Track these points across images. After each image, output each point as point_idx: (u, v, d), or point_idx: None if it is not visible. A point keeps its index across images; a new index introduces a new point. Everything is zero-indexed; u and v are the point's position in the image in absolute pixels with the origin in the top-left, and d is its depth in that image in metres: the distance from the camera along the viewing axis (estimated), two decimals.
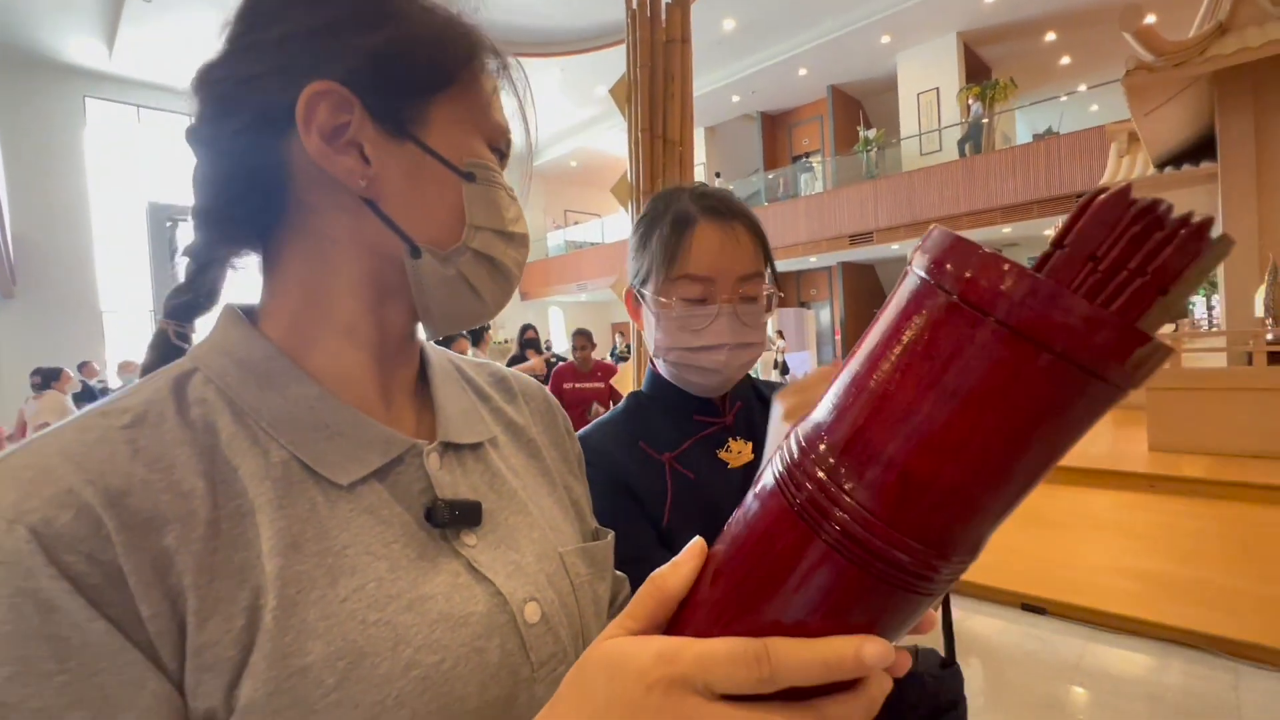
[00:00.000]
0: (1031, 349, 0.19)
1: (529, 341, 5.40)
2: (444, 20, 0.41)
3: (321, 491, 0.35)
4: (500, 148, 0.44)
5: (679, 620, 0.27)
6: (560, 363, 4.23)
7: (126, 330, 12.48)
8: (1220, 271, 5.42)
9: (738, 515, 0.27)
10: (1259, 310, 4.68)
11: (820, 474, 0.23)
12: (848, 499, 0.22)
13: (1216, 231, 0.19)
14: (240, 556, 0.32)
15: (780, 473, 0.25)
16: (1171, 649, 2.49)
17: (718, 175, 16.30)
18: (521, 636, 0.38)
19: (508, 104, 0.45)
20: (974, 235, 12.04)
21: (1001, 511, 0.23)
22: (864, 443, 0.22)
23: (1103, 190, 0.19)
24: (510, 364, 5.05)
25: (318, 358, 0.39)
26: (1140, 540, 3.57)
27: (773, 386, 0.86)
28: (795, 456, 0.25)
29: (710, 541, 0.29)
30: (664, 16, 2.65)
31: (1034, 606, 2.87)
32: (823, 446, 0.24)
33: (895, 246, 12.52)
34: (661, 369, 0.81)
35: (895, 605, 0.24)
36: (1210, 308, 11.29)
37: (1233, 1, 4.72)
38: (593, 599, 0.45)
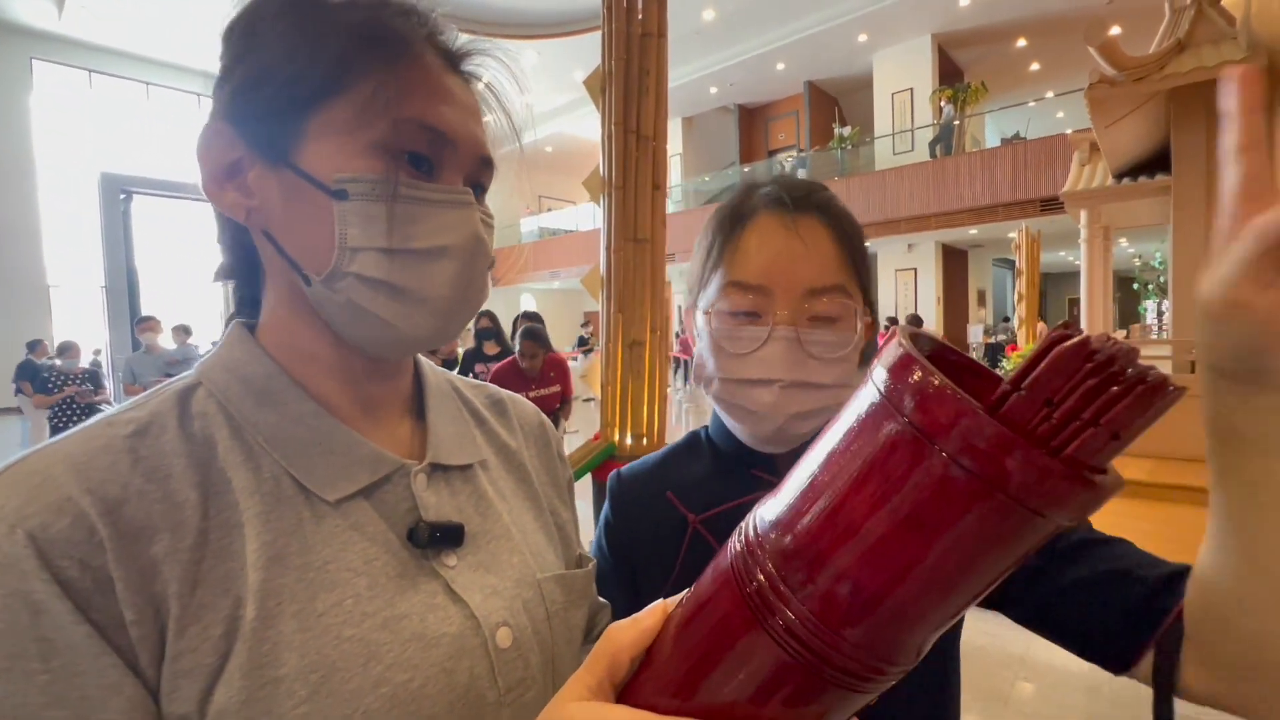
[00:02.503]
0: (984, 487, 0.20)
1: (484, 331, 4.38)
2: (340, 23, 0.37)
3: (309, 507, 0.37)
4: (417, 149, 0.38)
5: (637, 679, 0.28)
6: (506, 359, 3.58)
7: (74, 306, 11.94)
8: (1170, 281, 5.65)
9: (703, 580, 0.28)
10: None
11: (771, 569, 0.24)
12: (795, 601, 0.23)
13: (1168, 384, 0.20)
14: (225, 567, 0.33)
15: (736, 553, 0.26)
16: None
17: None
18: (491, 661, 0.39)
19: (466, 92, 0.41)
20: (942, 236, 12.38)
21: (946, 623, 0.24)
22: (816, 550, 0.23)
23: (1064, 336, 0.20)
24: (466, 360, 4.47)
25: (302, 378, 0.40)
26: None
27: None
28: (750, 543, 0.25)
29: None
30: (640, 9, 2.61)
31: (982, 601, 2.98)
32: (776, 542, 0.24)
33: (866, 244, 12.71)
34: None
35: (839, 701, 0.25)
36: (1161, 313, 11.77)
37: (1191, 20, 4.89)
38: (566, 627, 0.45)
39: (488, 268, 0.42)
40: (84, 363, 5.90)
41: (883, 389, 0.22)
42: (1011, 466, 0.19)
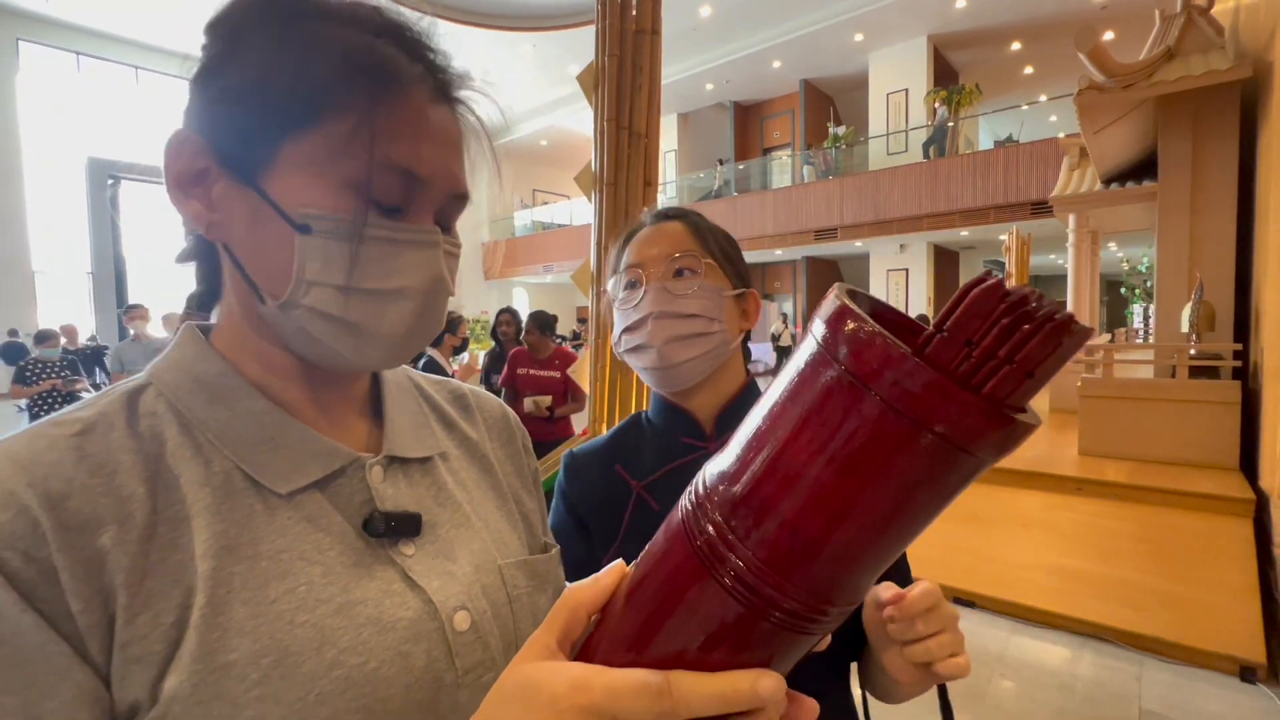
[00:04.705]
0: (911, 427, 0.21)
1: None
2: (328, 44, 0.37)
3: (261, 500, 0.37)
4: (389, 192, 0.38)
5: (594, 637, 0.29)
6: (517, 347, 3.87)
7: (60, 292, 11.78)
8: (1154, 286, 5.72)
9: (656, 538, 0.29)
10: (1184, 326, 4.96)
11: (719, 519, 0.25)
12: (743, 548, 0.24)
13: (1077, 322, 0.21)
14: (175, 558, 0.33)
15: (686, 510, 0.27)
16: (1085, 641, 2.67)
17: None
18: (449, 643, 0.40)
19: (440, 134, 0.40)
20: (934, 237, 12.41)
21: (882, 564, 0.25)
22: (760, 498, 0.24)
23: (980, 280, 0.21)
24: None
25: (256, 378, 0.41)
26: (1065, 539, 3.77)
27: None
28: (699, 497, 0.26)
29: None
30: (634, 5, 2.61)
31: (964, 600, 3.03)
32: (723, 494, 0.25)
33: (859, 244, 12.77)
34: (649, 386, 0.81)
35: (786, 644, 0.26)
36: (1147, 318, 11.89)
37: (1181, 28, 4.93)
38: (531, 610, 0.46)
39: (447, 300, 0.42)
40: (82, 348, 5.73)
41: (819, 339, 0.23)
42: (936, 404, 0.20)
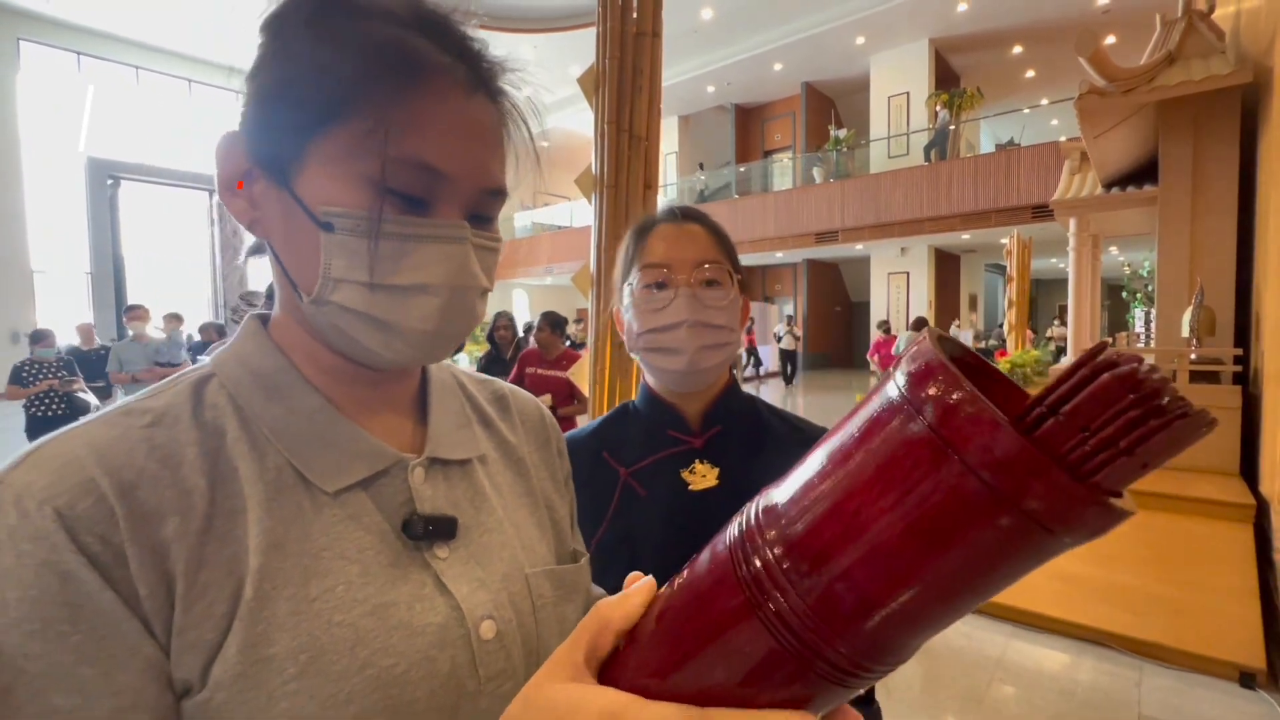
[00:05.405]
0: (1008, 508, 0.20)
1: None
2: (359, 41, 0.36)
3: (309, 497, 0.38)
4: (409, 188, 0.38)
5: (622, 657, 0.28)
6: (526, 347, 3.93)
7: (59, 292, 11.78)
8: (1155, 290, 5.72)
9: (697, 561, 0.28)
10: (1185, 330, 4.95)
11: (771, 556, 0.24)
12: (794, 593, 0.23)
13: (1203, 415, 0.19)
14: (229, 551, 0.35)
15: (735, 538, 0.26)
16: (1085, 647, 2.66)
17: (700, 167, 16.22)
18: (473, 651, 0.40)
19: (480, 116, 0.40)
20: (935, 240, 12.43)
21: (938, 629, 0.24)
22: (821, 546, 0.23)
23: (1107, 362, 0.20)
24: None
25: (308, 373, 0.42)
26: None
27: (784, 416, 0.85)
28: (752, 527, 0.25)
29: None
30: (635, 8, 2.61)
31: None
32: (780, 531, 0.24)
33: (859, 247, 12.78)
34: (644, 368, 0.82)
35: (826, 691, 0.25)
36: (1149, 322, 11.89)
37: (1181, 33, 4.94)
38: (556, 620, 0.46)
39: (479, 295, 0.42)
40: (96, 348, 5.71)
41: (907, 392, 0.22)
42: (1038, 488, 0.19)
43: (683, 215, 0.80)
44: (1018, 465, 0.19)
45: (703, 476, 0.77)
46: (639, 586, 0.29)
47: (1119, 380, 0.19)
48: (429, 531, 0.41)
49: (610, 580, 0.44)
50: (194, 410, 0.38)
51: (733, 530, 0.26)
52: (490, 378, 0.57)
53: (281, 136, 0.38)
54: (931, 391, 0.21)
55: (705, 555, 0.27)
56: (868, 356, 10.65)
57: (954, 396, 0.20)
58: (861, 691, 0.26)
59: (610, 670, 0.28)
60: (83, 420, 0.36)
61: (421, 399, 0.48)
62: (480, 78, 0.40)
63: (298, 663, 0.34)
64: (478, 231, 0.41)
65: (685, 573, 0.28)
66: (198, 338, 5.88)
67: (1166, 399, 0.19)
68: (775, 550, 0.24)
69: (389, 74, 0.36)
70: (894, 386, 0.22)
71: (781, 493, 0.25)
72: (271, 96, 0.38)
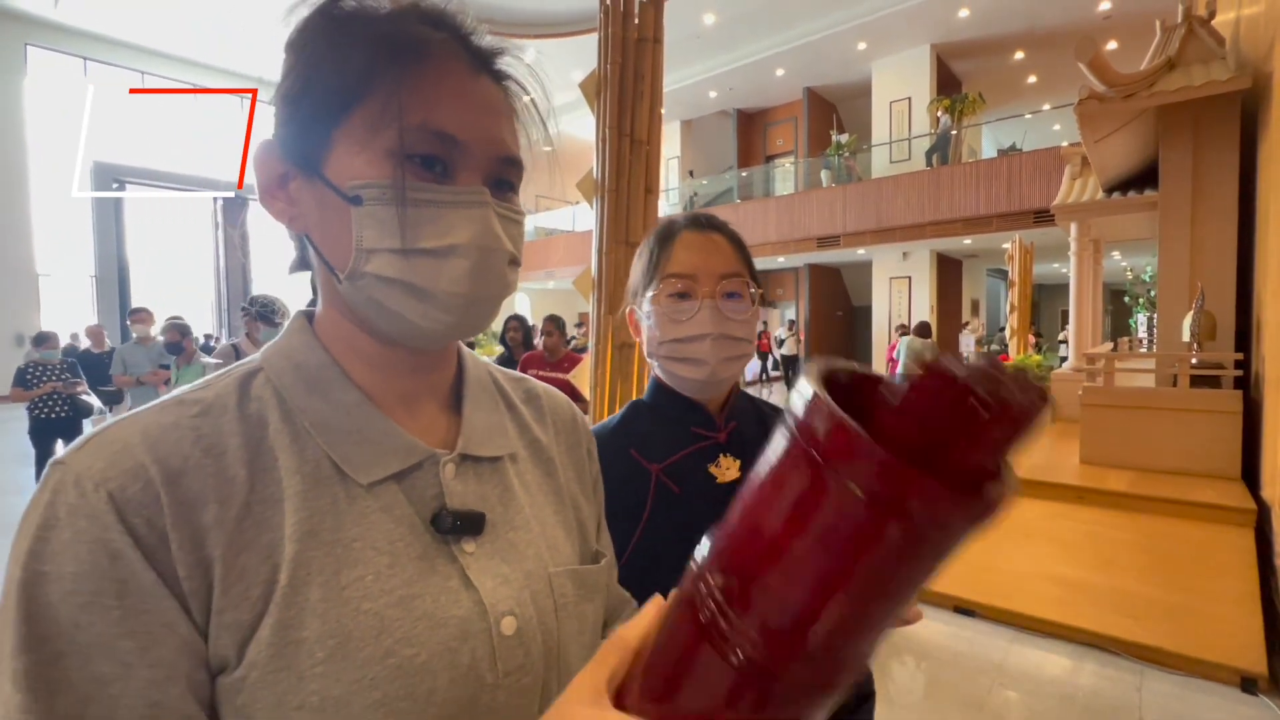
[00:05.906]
0: (884, 509, 0.22)
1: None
2: (367, 34, 0.40)
3: (344, 488, 0.40)
4: (426, 151, 0.40)
5: (629, 677, 0.30)
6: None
7: (64, 295, 11.83)
8: (1157, 295, 5.71)
9: (671, 598, 0.30)
10: (1185, 335, 4.94)
11: (718, 600, 0.26)
12: (742, 628, 0.25)
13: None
14: (267, 537, 0.37)
15: (689, 581, 0.28)
16: (1086, 651, 2.65)
17: (690, 174, 16.30)
18: (493, 646, 0.41)
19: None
20: (937, 245, 12.40)
21: (885, 628, 0.26)
22: (748, 578, 0.25)
23: (941, 374, 0.22)
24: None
25: (348, 368, 0.44)
26: (1066, 548, 3.75)
27: (775, 407, 0.88)
28: (696, 574, 0.28)
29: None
30: (637, 13, 2.63)
31: (965, 609, 3.01)
32: (718, 575, 0.27)
33: (861, 251, 12.78)
34: (659, 372, 0.84)
35: (803, 711, 0.27)
36: (1151, 327, 11.88)
37: (1182, 38, 4.95)
38: (576, 619, 0.48)
39: (508, 262, 0.43)
40: (107, 350, 5.66)
41: (795, 422, 0.24)
42: (903, 491, 0.21)
43: (707, 224, 0.81)
44: (894, 481, 0.22)
45: (727, 469, 0.80)
46: (648, 607, 0.32)
47: (942, 380, 0.22)
48: (457, 526, 0.42)
49: (660, 578, 0.45)
50: (239, 402, 0.40)
51: (689, 573, 0.29)
52: (524, 375, 0.59)
53: (309, 131, 0.41)
54: (811, 420, 0.24)
55: (673, 599, 0.30)
56: (886, 360, 10.65)
57: (825, 420, 0.23)
58: (836, 702, 0.28)
59: (622, 693, 0.30)
60: (144, 406, 0.39)
61: (457, 392, 0.50)
62: (481, 59, 0.43)
63: (326, 647, 0.36)
64: (499, 200, 0.43)
65: (667, 607, 0.30)
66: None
67: (982, 390, 0.22)
68: (720, 594, 0.26)
69: (398, 57, 0.40)
70: (789, 417, 0.25)
71: (719, 535, 0.28)
72: (296, 97, 0.41)
